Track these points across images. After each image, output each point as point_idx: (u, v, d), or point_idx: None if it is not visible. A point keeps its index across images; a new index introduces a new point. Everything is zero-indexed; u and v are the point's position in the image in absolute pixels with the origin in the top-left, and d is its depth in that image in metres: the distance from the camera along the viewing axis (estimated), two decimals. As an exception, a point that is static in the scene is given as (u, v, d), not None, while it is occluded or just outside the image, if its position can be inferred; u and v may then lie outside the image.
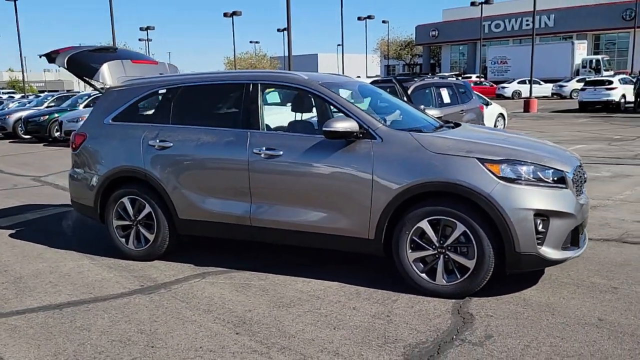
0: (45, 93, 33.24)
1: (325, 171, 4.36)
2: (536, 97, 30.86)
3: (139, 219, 5.17)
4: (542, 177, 3.95)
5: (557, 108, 30.16)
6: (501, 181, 3.88)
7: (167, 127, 5.06)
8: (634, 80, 27.70)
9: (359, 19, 54.34)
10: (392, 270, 4.46)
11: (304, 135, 4.62)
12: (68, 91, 47.50)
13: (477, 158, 3.97)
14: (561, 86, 38.99)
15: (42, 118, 19.19)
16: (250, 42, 72.70)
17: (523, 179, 3.91)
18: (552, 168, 4.01)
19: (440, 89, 10.38)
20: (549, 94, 39.22)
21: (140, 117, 5.32)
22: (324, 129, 4.24)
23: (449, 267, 4.08)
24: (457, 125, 5.11)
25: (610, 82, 26.85)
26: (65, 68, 5.58)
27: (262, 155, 4.57)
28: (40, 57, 5.91)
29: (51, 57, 5.72)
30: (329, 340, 3.48)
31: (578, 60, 46.47)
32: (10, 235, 6.31)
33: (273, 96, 6.49)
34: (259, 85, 4.79)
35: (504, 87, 40.63)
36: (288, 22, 18.35)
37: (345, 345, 3.40)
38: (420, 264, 4.16)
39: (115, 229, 5.29)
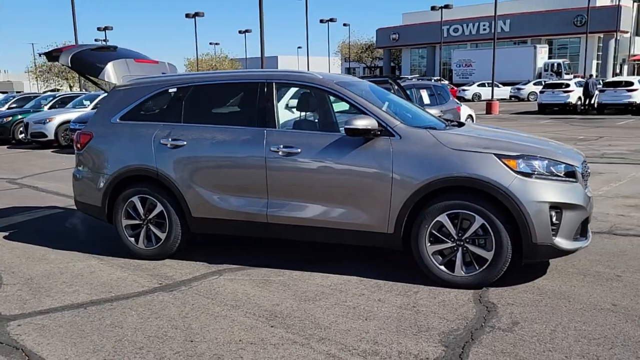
0: (7, 94, 32.07)
1: (345, 168, 4.47)
2: (496, 100, 31.75)
3: (150, 218, 5.16)
4: (554, 171, 4.18)
5: (517, 110, 31.13)
6: (518, 175, 4.08)
7: (179, 126, 5.07)
8: (583, 83, 28.88)
9: (321, 21, 54.65)
10: (406, 263, 4.62)
11: (321, 133, 4.72)
12: (18, 92, 45.95)
13: (494, 154, 4.16)
14: (519, 89, 40.26)
15: (4, 120, 18.59)
16: (210, 43, 71.98)
17: (538, 173, 4.13)
18: (564, 163, 4.24)
19: (421, 91, 10.66)
20: (507, 97, 40.39)
21: (149, 116, 5.31)
22: (345, 126, 4.36)
23: (466, 259, 4.26)
24: (462, 124, 5.31)
25: (568, 85, 27.93)
26: (69, 67, 5.52)
27: (280, 153, 4.64)
28: (40, 55, 5.82)
29: (52, 55, 5.65)
30: (364, 330, 3.60)
31: (540, 64, 48.04)
32: (6, 237, 6.18)
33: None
34: (274, 84, 4.87)
35: (464, 90, 41.62)
36: (261, 24, 18.37)
37: (382, 335, 3.53)
38: (439, 257, 4.32)
39: (125, 229, 5.26)
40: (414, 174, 4.27)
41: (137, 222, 5.22)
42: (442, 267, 4.30)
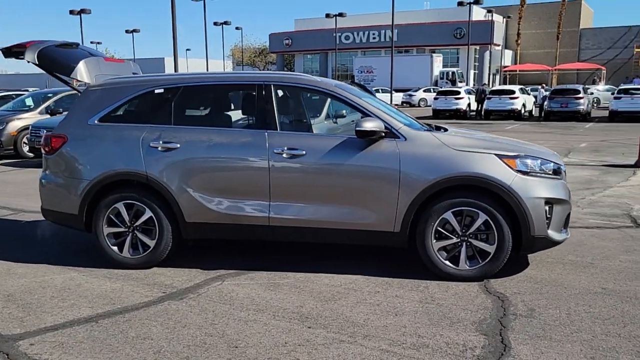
0: None
1: (352, 169, 4.57)
2: (394, 105, 33.25)
3: (137, 224, 4.91)
4: (545, 169, 4.58)
5: (411, 115, 32.69)
6: (518, 174, 4.43)
7: (170, 128, 4.88)
8: (475, 91, 31.25)
9: (215, 24, 53.78)
10: (403, 260, 4.82)
11: (326, 135, 4.78)
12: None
13: (495, 154, 4.48)
14: (410, 95, 42.45)
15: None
16: (92, 42, 68.03)
17: (533, 171, 4.50)
18: (552, 161, 4.66)
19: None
20: (400, 103, 42.39)
21: (133, 117, 5.05)
22: (356, 128, 4.46)
23: (469, 253, 4.53)
24: (445, 129, 5.60)
25: (458, 93, 29.98)
26: (35, 63, 5.10)
27: (284, 155, 4.64)
28: (-2, 51, 5.31)
29: (12, 51, 5.21)
30: (401, 325, 3.72)
31: (436, 72, 50.88)
32: (-49, 252, 5.55)
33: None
34: (272, 86, 4.85)
35: (359, 96, 42.93)
36: (174, 25, 17.83)
37: (420, 328, 3.67)
38: (444, 252, 4.55)
39: (106, 237, 4.96)
40: (421, 174, 4.47)
41: (121, 229, 4.94)
42: (447, 262, 4.54)
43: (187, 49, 76.15)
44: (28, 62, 5.13)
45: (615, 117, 25.70)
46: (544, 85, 36.93)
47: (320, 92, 4.91)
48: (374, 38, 58.39)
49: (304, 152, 4.63)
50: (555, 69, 55.82)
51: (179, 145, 4.79)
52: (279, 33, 64.71)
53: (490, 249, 4.47)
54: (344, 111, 7.44)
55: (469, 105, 29.82)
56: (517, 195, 4.37)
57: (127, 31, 58.88)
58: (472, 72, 56.99)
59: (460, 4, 41.34)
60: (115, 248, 4.96)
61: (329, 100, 5.80)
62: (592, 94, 32.71)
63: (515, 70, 58.04)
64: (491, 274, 4.54)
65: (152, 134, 4.86)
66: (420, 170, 4.48)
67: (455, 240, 4.52)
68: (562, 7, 59.02)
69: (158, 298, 4.28)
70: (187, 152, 4.79)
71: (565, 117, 26.37)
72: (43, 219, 5.49)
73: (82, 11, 42.87)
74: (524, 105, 28.39)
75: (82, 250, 5.62)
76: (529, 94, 30.47)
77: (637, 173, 10.44)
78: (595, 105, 34.35)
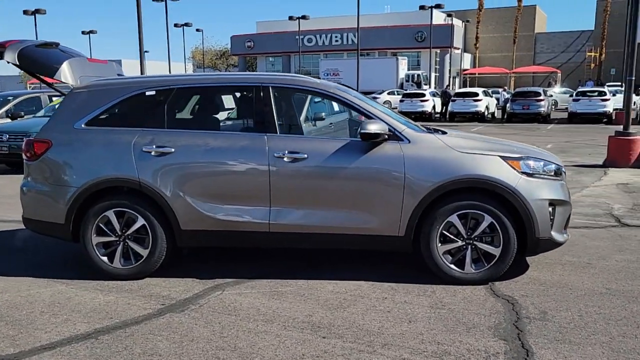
0: None
1: (356, 173, 4.46)
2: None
3: (128, 233, 4.67)
4: (547, 171, 4.57)
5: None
6: (523, 176, 4.41)
7: (163, 132, 4.67)
8: (440, 93, 31.69)
9: (175, 25, 52.95)
10: (404, 264, 4.75)
11: (328, 138, 4.66)
12: None
13: (500, 156, 4.45)
14: (375, 98, 42.54)
15: None
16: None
17: (537, 173, 4.49)
18: (553, 163, 4.66)
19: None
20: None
21: (123, 121, 4.81)
22: (361, 131, 4.36)
23: (474, 256, 4.48)
24: (444, 131, 5.54)
25: (424, 95, 30.31)
26: (14, 64, 4.81)
27: (285, 159, 4.50)
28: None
29: None
30: (417, 332, 3.63)
31: (402, 75, 51.27)
32: None
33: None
34: (270, 87, 4.70)
35: (324, 98, 42.96)
36: (139, 27, 17.36)
37: (438, 335, 3.59)
38: (449, 256, 4.49)
39: (95, 247, 4.70)
40: (427, 176, 4.40)
41: (111, 238, 4.70)
42: (452, 266, 4.49)
43: (146, 51, 74.67)
44: (8, 62, 4.83)
45: (574, 118, 26.48)
46: (505, 87, 37.69)
47: (321, 94, 4.79)
48: (336, 41, 58.53)
49: (306, 156, 4.50)
50: (513, 72, 57.16)
51: (173, 150, 4.59)
52: (240, 35, 64.16)
53: (496, 251, 4.43)
54: (323, 113, 7.34)
55: (434, 107, 30.20)
56: (523, 197, 4.35)
57: (83, 32, 57.27)
58: (433, 74, 57.81)
59: (422, 7, 41.87)
60: (105, 258, 4.71)
61: (307, 102, 5.70)
62: (551, 96, 33.57)
63: (475, 73, 59.19)
64: (496, 277, 4.50)
65: (144, 138, 4.64)
66: (425, 173, 4.41)
67: (460, 243, 4.47)
68: (518, 12, 60.53)
69: (157, 310, 4.07)
70: (182, 156, 4.59)
71: (527, 118, 26.99)
72: (22, 228, 5.20)
73: (36, 11, 41.51)
74: (487, 107, 28.92)
75: (67, 262, 5.35)
76: (491, 97, 31.06)
77: (607, 173, 10.70)
78: (553, 107, 35.31)
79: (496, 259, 4.44)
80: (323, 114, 6.95)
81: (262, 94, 4.67)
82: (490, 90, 33.32)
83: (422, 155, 4.45)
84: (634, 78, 11.53)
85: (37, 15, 41.95)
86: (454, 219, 4.43)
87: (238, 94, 4.86)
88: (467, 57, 62.41)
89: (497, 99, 32.11)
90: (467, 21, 58.56)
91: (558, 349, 3.36)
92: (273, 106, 4.66)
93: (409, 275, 4.69)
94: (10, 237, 6.31)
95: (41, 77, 5.05)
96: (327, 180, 4.50)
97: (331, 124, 5.80)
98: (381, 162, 4.46)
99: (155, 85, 4.80)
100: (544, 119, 26.93)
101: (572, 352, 3.31)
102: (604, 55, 58.66)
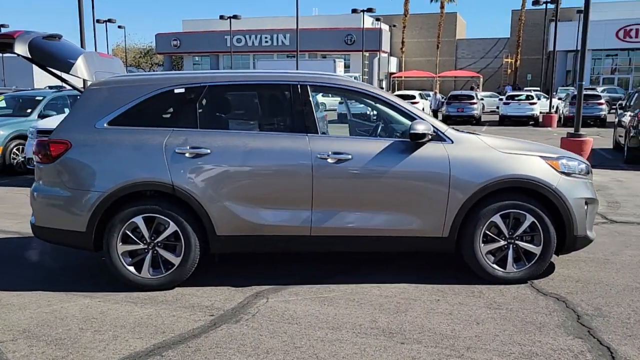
0: None
1: (401, 174, 4.39)
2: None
3: (158, 240, 4.36)
4: (580, 170, 4.70)
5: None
6: (562, 175, 4.51)
7: (198, 132, 4.39)
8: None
9: (98, 21, 50.45)
10: (436, 265, 4.75)
11: (372, 138, 4.56)
12: None
13: (540, 156, 4.53)
14: (308, 100, 42.73)
15: None
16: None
17: (573, 172, 4.61)
18: (584, 162, 4.80)
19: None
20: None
21: (150, 120, 4.46)
22: (411, 131, 4.30)
23: (514, 256, 4.54)
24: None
25: (361, 97, 30.66)
26: (26, 57, 4.38)
27: (330, 160, 4.35)
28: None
29: None
30: (493, 334, 3.61)
31: None
32: None
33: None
34: (308, 86, 4.53)
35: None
36: (80, 21, 16.37)
37: (513, 336, 3.59)
38: (491, 256, 4.52)
39: (121, 256, 4.35)
40: (472, 177, 4.40)
41: (139, 246, 4.36)
42: (495, 266, 4.52)
43: (63, 48, 70.58)
44: (18, 55, 4.38)
45: (505, 120, 27.76)
46: (436, 91, 38.94)
47: (360, 93, 4.68)
48: (266, 42, 58.16)
49: (350, 157, 4.37)
50: (439, 76, 59.17)
51: (209, 151, 4.32)
52: (166, 33, 62.23)
53: (537, 250, 4.51)
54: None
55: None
56: (563, 196, 4.45)
57: (-6, 26, 53.45)
58: (362, 77, 58.80)
59: (354, 11, 42.42)
60: (131, 268, 4.36)
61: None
62: (482, 99, 35.00)
63: (402, 77, 60.71)
64: (536, 276, 4.58)
65: (177, 139, 4.34)
66: (470, 173, 4.41)
67: (502, 243, 4.50)
68: (441, 19, 62.72)
69: (210, 322, 3.82)
70: (219, 158, 4.33)
71: (461, 121, 27.95)
72: (22, 238, 4.73)
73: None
74: (422, 109, 29.72)
75: (77, 272, 4.94)
76: (426, 99, 31.97)
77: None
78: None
79: (537, 257, 4.51)
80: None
81: (300, 92, 4.50)
82: (423, 93, 34.30)
83: (467, 156, 4.45)
84: (583, 83, 12.20)
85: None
86: (497, 218, 4.46)
87: (275, 93, 4.65)
88: (394, 61, 63.95)
89: (430, 102, 33.08)
90: (394, 26, 60.07)
91: (636, 344, 3.44)
92: (312, 105, 4.50)
93: (447, 276, 4.68)
94: (11, 248, 5.72)
95: (53, 71, 4.61)
96: (371, 181, 4.40)
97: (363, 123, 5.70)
98: (427, 163, 4.41)
99: (184, 83, 4.50)
100: (477, 121, 28.03)
101: (649, 347, 3.41)
102: (519, 62, 61.93)
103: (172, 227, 4.34)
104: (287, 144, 4.40)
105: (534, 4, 36.19)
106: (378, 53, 56.38)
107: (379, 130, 4.98)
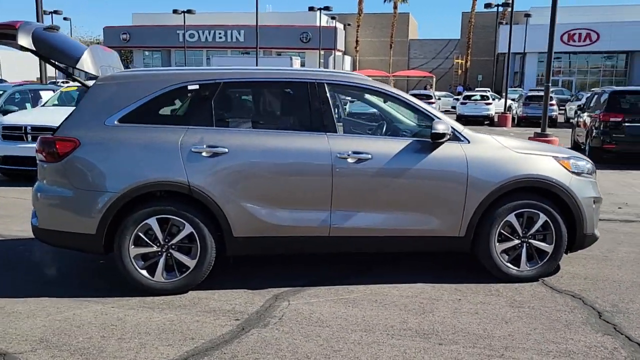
0: None
1: (420, 173, 4.38)
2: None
3: (173, 242, 4.19)
4: (588, 169, 4.82)
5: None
6: (573, 175, 4.61)
7: (214, 130, 4.24)
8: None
9: (44, 12, 48.41)
10: (446, 263, 4.78)
11: (391, 137, 4.53)
12: None
13: (552, 156, 4.62)
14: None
15: None
16: None
17: (582, 172, 4.72)
18: (590, 162, 4.93)
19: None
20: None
21: (163, 117, 4.30)
22: (432, 131, 4.29)
23: (527, 254, 4.61)
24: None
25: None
26: (30, 50, 4.12)
27: (350, 160, 4.29)
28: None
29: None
30: (524, 332, 3.65)
31: None
32: None
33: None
34: (326, 85, 4.45)
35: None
36: (37, 12, 15.63)
37: (545, 334, 3.62)
38: (505, 255, 4.58)
39: (133, 260, 4.16)
40: (489, 176, 4.44)
41: (153, 249, 4.18)
42: (509, 264, 4.57)
43: (4, 40, 67.39)
44: (21, 47, 4.10)
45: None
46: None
47: (378, 93, 4.64)
48: (220, 38, 57.34)
49: (370, 156, 4.33)
50: (393, 75, 59.91)
51: (227, 150, 4.18)
52: (115, 27, 60.49)
53: (549, 248, 4.59)
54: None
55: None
56: (575, 195, 4.54)
57: None
58: (316, 75, 58.80)
59: (311, 9, 42.39)
60: (144, 272, 4.18)
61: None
62: (439, 99, 35.66)
63: (356, 76, 61.05)
64: (547, 274, 4.67)
65: (193, 137, 4.18)
66: (487, 173, 4.45)
67: (516, 242, 4.57)
68: (394, 19, 63.55)
69: (238, 327, 3.69)
70: (238, 157, 4.20)
71: (419, 120, 28.39)
72: (15, 240, 4.47)
73: None
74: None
75: (79, 276, 4.71)
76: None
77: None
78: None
79: (549, 256, 4.60)
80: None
81: (317, 90, 4.42)
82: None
83: (484, 156, 4.48)
84: (549, 84, 12.61)
85: None
86: (511, 218, 4.51)
87: (292, 91, 4.54)
88: (348, 60, 64.33)
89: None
90: (348, 25, 60.41)
91: (662, 339, 3.56)
92: (331, 104, 4.43)
93: (459, 276, 4.71)
94: (2, 251, 5.39)
95: (58, 65, 4.35)
96: (391, 181, 4.37)
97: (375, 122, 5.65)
98: (445, 163, 4.42)
99: (198, 79, 4.34)
100: (435, 120, 28.52)
101: (675, 342, 3.53)
102: (469, 63, 63.47)
103: (188, 229, 4.18)
104: (306, 143, 4.31)
105: (486, 6, 37.19)
106: (333, 51, 56.57)
107: (383, 130, 4.97)
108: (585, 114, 14.58)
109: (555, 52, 47.50)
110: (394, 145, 4.42)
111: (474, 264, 4.80)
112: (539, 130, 13.90)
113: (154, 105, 4.28)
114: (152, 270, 4.19)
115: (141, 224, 4.13)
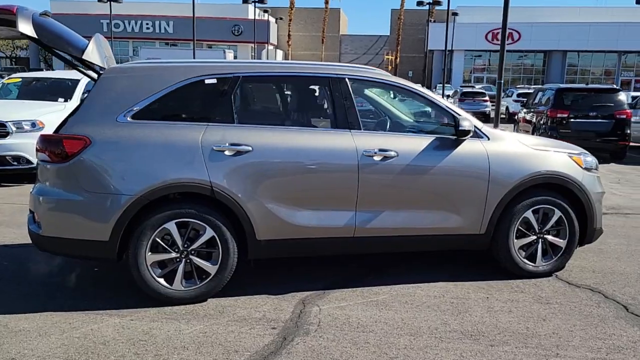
0: None
1: (445, 171, 4.31)
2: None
3: (193, 247, 3.90)
4: (595, 165, 4.93)
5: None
6: (585, 171, 4.70)
7: (236, 127, 3.97)
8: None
9: (-47, -2, 44.76)
10: (456, 261, 4.77)
11: (414, 134, 4.42)
12: None
13: (567, 153, 4.68)
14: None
15: None
16: None
17: (591, 168, 4.82)
18: (594, 158, 5.04)
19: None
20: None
21: (180, 114, 3.97)
22: (459, 128, 4.23)
23: (542, 249, 4.66)
24: None
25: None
26: (30, 37, 3.69)
27: (376, 158, 4.16)
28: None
29: None
30: (566, 329, 3.65)
31: None
32: None
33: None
34: (347, 79, 4.28)
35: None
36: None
37: (586, 330, 3.65)
38: (522, 251, 4.60)
39: (150, 267, 3.83)
40: (510, 173, 4.43)
41: (171, 255, 3.87)
42: (526, 260, 4.60)
43: None
44: (22, 35, 3.66)
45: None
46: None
47: (402, 89, 4.52)
48: (148, 28, 55.33)
49: (396, 154, 4.21)
50: (325, 70, 60.11)
51: (251, 148, 3.93)
52: (33, 15, 56.96)
53: (562, 244, 4.66)
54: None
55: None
56: (587, 190, 4.63)
57: None
58: (248, 69, 58.04)
59: (245, 1, 41.70)
60: (162, 280, 3.86)
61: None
62: (375, 94, 36.02)
63: (289, 70, 60.85)
64: (561, 268, 4.74)
65: (214, 135, 3.90)
66: (507, 169, 4.44)
67: (532, 237, 4.60)
68: (326, 14, 63.78)
69: (279, 336, 3.47)
70: (262, 155, 3.96)
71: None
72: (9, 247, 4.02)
73: None
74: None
75: (80, 287, 4.30)
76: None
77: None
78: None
79: (562, 251, 4.67)
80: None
81: (340, 86, 4.24)
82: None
83: (504, 152, 4.47)
84: (502, 81, 13.00)
85: None
86: (529, 214, 4.54)
87: (313, 86, 4.33)
88: (280, 54, 63.97)
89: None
90: (280, 18, 60.04)
91: (695, 330, 3.68)
92: (354, 100, 4.27)
93: (473, 272, 4.70)
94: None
95: (62, 54, 3.93)
96: (416, 178, 4.28)
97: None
98: (468, 159, 4.37)
99: (216, 73, 4.04)
100: (375, 115, 28.88)
101: None
102: (399, 59, 64.79)
103: (209, 233, 3.89)
104: (332, 140, 4.13)
105: (418, 4, 38.00)
106: (266, 45, 56.04)
107: (403, 126, 4.88)
108: (529, 110, 15.20)
109: (480, 50, 49.10)
110: (418, 142, 4.32)
111: (481, 261, 4.81)
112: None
113: (169, 101, 3.96)
114: (170, 278, 3.88)
115: (159, 229, 3.81)
